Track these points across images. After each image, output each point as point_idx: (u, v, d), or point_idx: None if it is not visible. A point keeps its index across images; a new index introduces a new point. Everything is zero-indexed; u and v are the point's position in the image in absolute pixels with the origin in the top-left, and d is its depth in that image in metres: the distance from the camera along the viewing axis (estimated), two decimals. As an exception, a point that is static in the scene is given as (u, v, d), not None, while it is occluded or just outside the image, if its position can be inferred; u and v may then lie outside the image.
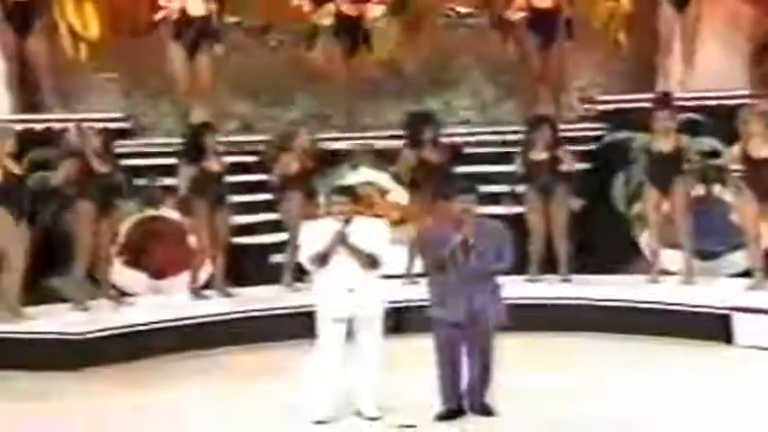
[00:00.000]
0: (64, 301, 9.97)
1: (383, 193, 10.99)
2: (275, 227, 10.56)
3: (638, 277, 10.29)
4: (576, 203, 10.30)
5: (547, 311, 9.63)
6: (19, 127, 10.26)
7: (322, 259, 6.97)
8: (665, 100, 10.40)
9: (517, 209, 10.30)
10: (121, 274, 10.50)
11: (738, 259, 10.31)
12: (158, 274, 10.72)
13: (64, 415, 7.68)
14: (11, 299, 9.29)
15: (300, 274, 9.52)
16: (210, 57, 11.38)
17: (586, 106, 11.90)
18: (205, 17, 11.29)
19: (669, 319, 9.33)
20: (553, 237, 10.24)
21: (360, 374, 7.10)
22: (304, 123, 11.39)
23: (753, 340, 8.87)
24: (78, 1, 11.66)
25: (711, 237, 10.43)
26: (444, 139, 10.58)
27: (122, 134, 11.23)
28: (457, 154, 10.77)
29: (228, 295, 10.11)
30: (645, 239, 10.52)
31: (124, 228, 10.63)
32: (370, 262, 6.96)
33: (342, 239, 6.92)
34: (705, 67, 11.48)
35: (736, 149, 9.59)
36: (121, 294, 10.18)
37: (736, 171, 9.74)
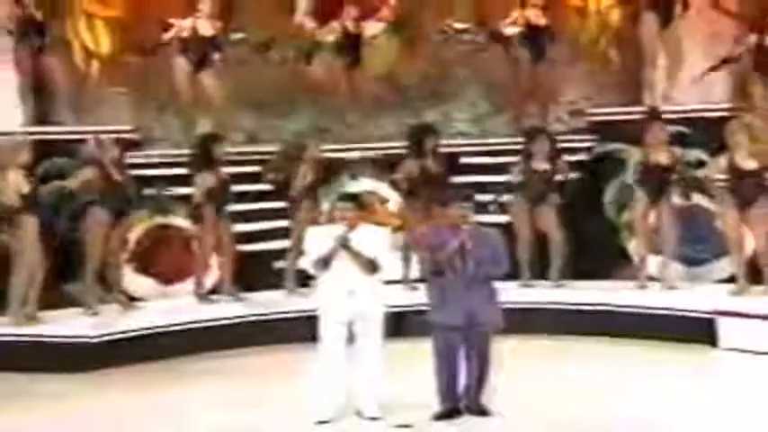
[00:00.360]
0: (74, 305, 9.98)
1: (382, 201, 11.03)
2: (278, 234, 10.60)
3: (626, 283, 10.32)
4: (556, 199, 10.34)
5: (540, 315, 9.67)
6: (32, 138, 10.28)
7: (324, 263, 7.00)
8: (655, 114, 10.45)
9: (503, 217, 10.32)
10: (131, 279, 10.53)
11: (723, 266, 10.35)
12: (167, 279, 10.75)
13: (77, 415, 7.70)
14: (19, 303, 9.30)
15: (305, 279, 9.53)
16: (216, 71, 11.43)
17: (576, 119, 11.95)
18: (213, 35, 11.38)
19: (657, 322, 9.37)
20: (549, 240, 10.26)
21: (360, 375, 7.11)
22: (309, 135, 11.43)
23: (736, 343, 8.92)
24: (90, 19, 11.71)
25: (697, 244, 10.49)
26: (441, 150, 10.63)
27: (131, 145, 11.26)
28: (454, 164, 10.83)
29: (239, 299, 10.13)
30: (633, 246, 10.56)
31: (134, 235, 10.65)
32: (371, 266, 6.99)
33: (344, 243, 6.97)
34: (688, 81, 11.53)
35: (722, 160, 9.62)
36: (130, 299, 10.20)
37: (719, 181, 9.78)
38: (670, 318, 9.38)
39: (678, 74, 11.56)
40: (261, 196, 10.83)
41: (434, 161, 10.35)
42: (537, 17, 11.62)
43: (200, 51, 11.36)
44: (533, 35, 11.63)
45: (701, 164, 10.49)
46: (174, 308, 10.03)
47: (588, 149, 11.24)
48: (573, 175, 10.67)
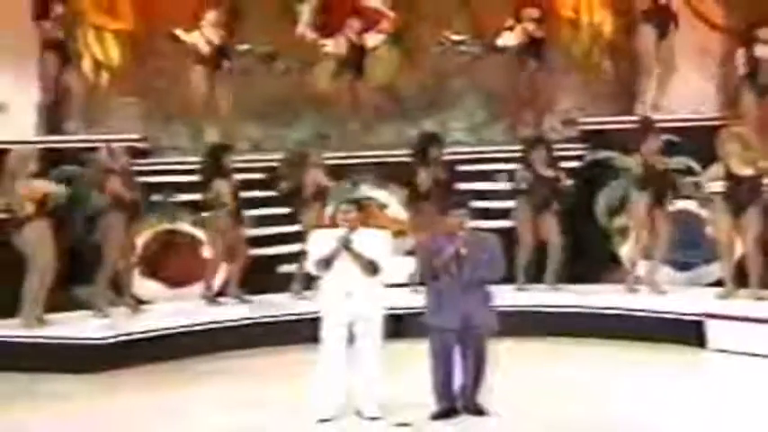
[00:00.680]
0: (83, 308, 10.00)
1: (381, 207, 11.06)
2: (281, 239, 10.61)
3: (617, 286, 10.34)
4: (557, 205, 10.37)
5: (535, 318, 9.68)
6: (42, 147, 10.32)
7: (326, 263, 7.02)
8: (648, 123, 10.46)
9: (506, 222, 10.34)
10: (139, 283, 10.54)
11: (711, 270, 10.37)
12: (173, 283, 10.76)
13: (84, 415, 7.73)
14: (31, 306, 9.33)
15: (309, 283, 9.55)
16: (228, 81, 11.47)
17: (569, 127, 11.97)
18: (222, 44, 11.44)
19: (648, 325, 9.39)
20: (548, 247, 10.27)
21: (361, 376, 7.12)
22: (312, 144, 11.46)
23: (723, 345, 8.95)
24: (99, 32, 11.74)
25: (687, 249, 10.51)
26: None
27: (139, 154, 11.28)
28: (451, 171, 10.86)
29: (246, 302, 10.13)
30: (626, 251, 10.57)
31: (142, 240, 10.67)
32: (371, 268, 7.01)
33: (345, 244, 6.98)
34: (679, 92, 11.57)
35: (715, 168, 9.62)
36: (138, 303, 10.21)
37: (714, 188, 9.81)
38: (660, 320, 9.39)
39: (669, 84, 11.58)
40: (265, 202, 10.85)
41: (441, 169, 10.39)
42: (534, 29, 11.64)
43: (214, 60, 11.40)
44: (531, 46, 11.64)
45: (689, 171, 10.51)
46: (181, 310, 10.02)
47: (580, 157, 11.26)
48: (568, 182, 10.69)
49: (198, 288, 10.45)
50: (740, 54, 11.12)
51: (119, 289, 10.05)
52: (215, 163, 10.17)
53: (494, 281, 7.02)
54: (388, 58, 12.51)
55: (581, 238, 10.69)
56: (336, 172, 10.84)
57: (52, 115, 11.53)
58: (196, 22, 11.52)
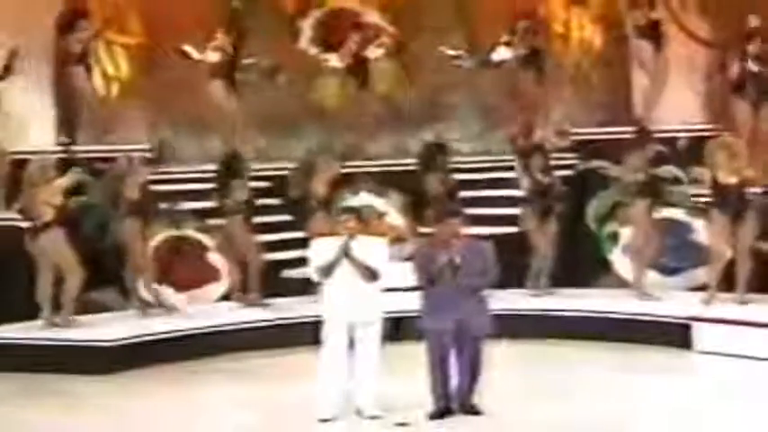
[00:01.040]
0: (99, 311, 10.02)
1: (380, 215, 11.09)
2: (286, 245, 10.64)
3: (606, 290, 10.38)
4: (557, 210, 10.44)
5: (528, 320, 9.71)
6: (56, 156, 10.40)
7: (327, 270, 7.06)
8: (645, 133, 10.49)
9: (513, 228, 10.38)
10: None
11: (698, 275, 10.39)
12: (181, 287, 10.77)
13: (99, 413, 7.78)
14: (67, 309, 9.41)
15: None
16: (240, 93, 11.60)
17: (561, 138, 11.99)
18: (234, 59, 11.54)
19: (637, 327, 9.42)
20: (546, 252, 10.30)
21: (361, 377, 7.15)
22: (316, 153, 11.50)
23: (710, 347, 8.98)
24: (109, 46, 11.79)
25: (674, 254, 10.54)
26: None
27: (148, 163, 11.30)
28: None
29: (266, 305, 10.12)
30: (616, 255, 10.60)
31: (151, 246, 10.69)
32: (371, 275, 7.05)
33: (346, 252, 7.02)
34: (667, 104, 11.60)
35: (705, 177, 9.65)
36: (147, 306, 10.23)
37: (703, 196, 9.83)
38: (649, 323, 9.42)
39: (659, 97, 11.63)
40: (268, 210, 10.88)
41: (447, 177, 10.44)
42: (539, 42, 11.72)
43: (230, 74, 11.50)
44: (530, 59, 11.70)
45: (676, 181, 10.55)
46: (191, 313, 10.05)
47: (572, 166, 11.29)
48: (562, 189, 10.74)
49: (203, 291, 10.49)
50: (734, 67, 11.13)
51: (127, 292, 10.09)
52: (231, 170, 10.19)
53: (487, 287, 7.05)
54: (388, 71, 12.57)
55: (573, 244, 10.71)
56: (338, 180, 10.87)
57: (67, 126, 11.57)
58: (206, 37, 11.56)
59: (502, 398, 7.19)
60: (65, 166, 10.21)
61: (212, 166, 11.00)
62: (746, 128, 10.92)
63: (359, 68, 12.14)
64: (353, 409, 7.16)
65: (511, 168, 10.75)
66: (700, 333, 9.09)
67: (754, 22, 10.90)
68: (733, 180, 9.46)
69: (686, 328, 9.17)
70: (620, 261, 10.69)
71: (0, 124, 10.74)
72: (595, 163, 11.13)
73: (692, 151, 10.10)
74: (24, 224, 9.54)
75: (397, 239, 10.54)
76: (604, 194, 10.94)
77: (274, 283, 10.56)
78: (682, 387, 7.96)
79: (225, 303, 10.47)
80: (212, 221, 10.78)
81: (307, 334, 8.28)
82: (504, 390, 7.34)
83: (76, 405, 8.03)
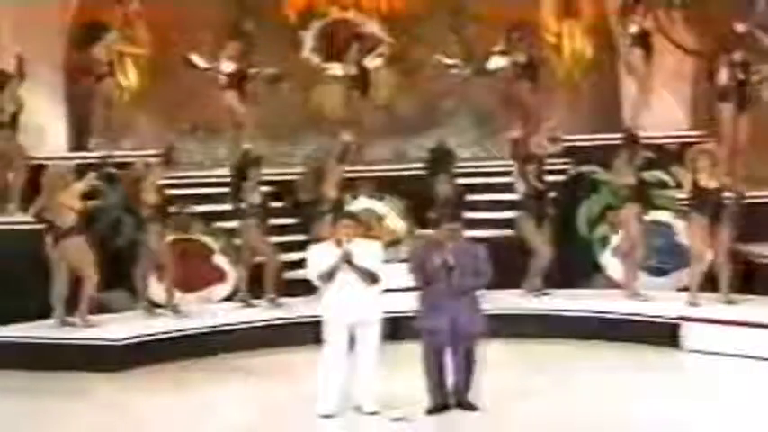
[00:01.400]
0: (109, 311, 10.02)
1: (379, 218, 11.09)
2: (288, 247, 10.63)
3: (598, 291, 10.38)
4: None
5: (522, 320, 9.70)
6: (73, 162, 10.44)
7: (329, 276, 7.07)
8: (634, 139, 10.49)
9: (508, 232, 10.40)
10: (155, 288, 10.54)
11: (684, 276, 10.38)
12: (187, 288, 10.75)
13: (106, 409, 7.80)
14: (85, 309, 9.42)
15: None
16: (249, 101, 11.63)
17: (553, 144, 11.99)
18: (242, 69, 11.55)
19: (627, 327, 9.42)
20: (541, 254, 10.29)
21: (360, 375, 7.17)
22: (318, 159, 11.50)
23: (697, 345, 8.98)
24: (120, 56, 11.79)
25: (661, 256, 10.54)
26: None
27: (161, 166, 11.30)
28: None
29: (279, 305, 10.09)
30: (618, 263, 10.58)
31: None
32: (370, 278, 7.07)
33: (347, 259, 7.02)
34: (654, 111, 11.60)
35: (687, 181, 9.65)
36: (154, 306, 10.21)
37: (684, 200, 9.84)
38: (639, 323, 9.42)
39: (646, 104, 11.63)
40: (274, 213, 10.87)
41: (453, 182, 10.44)
42: (538, 51, 11.73)
43: (241, 84, 11.52)
44: (526, 67, 11.71)
45: (663, 185, 10.55)
46: (198, 313, 10.03)
47: (564, 172, 11.29)
48: (550, 195, 10.73)
49: (208, 292, 10.49)
50: (721, 75, 11.12)
51: (136, 292, 10.09)
52: (245, 174, 10.20)
53: (480, 287, 7.06)
54: (387, 80, 12.59)
55: (565, 247, 10.71)
56: (345, 183, 10.87)
57: (80, 133, 11.59)
58: (217, 46, 11.58)
59: (496, 395, 7.20)
60: (81, 171, 10.25)
61: (218, 172, 10.99)
62: (729, 134, 10.93)
63: (359, 77, 12.15)
64: (353, 405, 7.17)
65: (507, 173, 10.74)
66: (688, 332, 9.09)
67: (740, 28, 10.91)
68: (713, 184, 9.47)
69: (675, 327, 9.17)
70: (611, 263, 10.71)
71: (21, 130, 10.74)
72: (586, 168, 11.14)
73: (679, 157, 10.08)
74: (40, 227, 9.52)
75: (394, 242, 10.56)
76: (595, 198, 10.96)
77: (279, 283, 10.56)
78: (670, 384, 7.97)
79: (229, 304, 10.45)
80: (219, 224, 10.75)
81: (308, 333, 8.29)
82: (498, 387, 7.34)
83: (85, 402, 8.04)
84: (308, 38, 12.55)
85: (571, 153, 11.40)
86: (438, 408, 7.03)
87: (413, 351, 7.21)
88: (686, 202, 9.76)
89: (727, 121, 11.05)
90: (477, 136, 12.65)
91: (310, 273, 7.24)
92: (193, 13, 11.97)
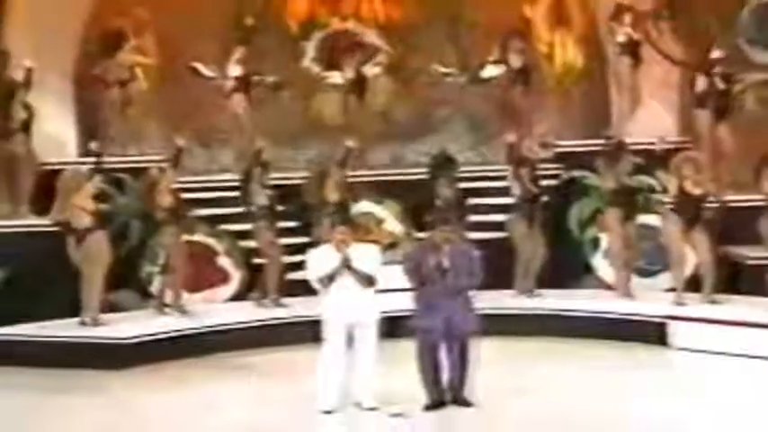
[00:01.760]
0: (118, 311, 10.00)
1: (378, 222, 11.10)
2: (290, 250, 10.62)
3: (588, 291, 10.38)
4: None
5: (516, 320, 9.69)
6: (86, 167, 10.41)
7: (329, 279, 7.09)
8: (621, 145, 10.50)
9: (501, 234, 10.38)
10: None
11: (670, 277, 10.38)
12: (192, 288, 10.73)
13: (112, 406, 7.80)
14: (96, 308, 9.42)
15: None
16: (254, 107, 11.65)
17: (545, 149, 11.98)
18: (247, 76, 11.57)
19: (617, 326, 9.42)
20: (533, 255, 10.29)
21: (359, 372, 7.18)
22: (319, 163, 11.50)
23: (684, 343, 8.99)
24: (130, 67, 11.81)
25: (649, 258, 10.55)
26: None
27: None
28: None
29: (284, 306, 10.07)
30: (597, 260, 10.58)
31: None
32: (368, 281, 7.09)
33: (346, 263, 7.03)
34: (641, 118, 11.61)
35: (672, 187, 9.65)
36: (165, 306, 10.18)
37: (666, 203, 9.83)
38: (628, 322, 9.42)
39: (635, 111, 11.62)
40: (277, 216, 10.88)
41: (454, 186, 10.48)
42: (518, 60, 11.71)
43: (247, 91, 11.54)
44: (519, 74, 11.70)
45: (650, 190, 10.56)
46: (203, 312, 10.01)
47: (556, 176, 11.29)
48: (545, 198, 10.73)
49: (213, 293, 10.48)
50: (701, 83, 11.13)
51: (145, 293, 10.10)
52: (253, 178, 10.19)
53: (473, 288, 7.07)
54: (385, 87, 12.60)
55: (557, 249, 10.70)
56: (347, 187, 10.87)
57: (90, 140, 11.60)
58: (222, 54, 11.58)
59: (491, 392, 7.20)
60: (93, 174, 10.25)
61: (222, 177, 10.96)
62: (707, 140, 10.93)
63: (358, 84, 12.16)
64: (353, 402, 7.17)
65: (501, 178, 10.74)
66: (675, 331, 9.10)
67: (716, 54, 10.92)
68: (698, 191, 9.48)
69: (663, 326, 9.17)
70: (601, 265, 10.71)
71: (34, 135, 10.74)
72: (578, 173, 11.14)
73: (665, 163, 10.08)
74: (54, 229, 9.50)
75: (392, 245, 10.56)
76: (586, 201, 10.97)
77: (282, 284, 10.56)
78: (659, 381, 7.98)
79: (233, 303, 10.43)
80: (223, 227, 10.73)
81: (308, 332, 8.28)
82: (492, 384, 7.33)
83: (89, 398, 8.04)
84: (310, 48, 12.57)
85: (563, 158, 11.42)
86: (435, 404, 7.04)
87: (411, 349, 7.21)
88: (667, 206, 9.76)
89: (704, 128, 11.08)
90: (472, 141, 12.67)
91: (310, 275, 7.24)
92: (199, 24, 11.95)
